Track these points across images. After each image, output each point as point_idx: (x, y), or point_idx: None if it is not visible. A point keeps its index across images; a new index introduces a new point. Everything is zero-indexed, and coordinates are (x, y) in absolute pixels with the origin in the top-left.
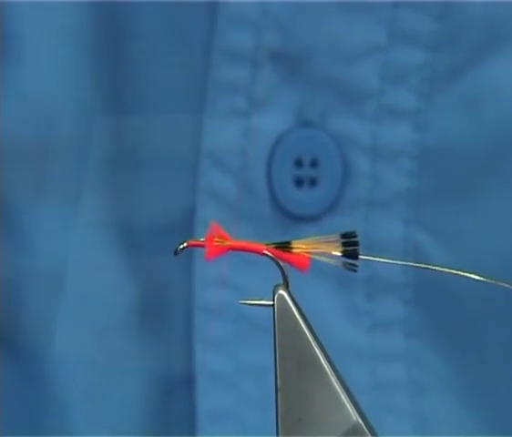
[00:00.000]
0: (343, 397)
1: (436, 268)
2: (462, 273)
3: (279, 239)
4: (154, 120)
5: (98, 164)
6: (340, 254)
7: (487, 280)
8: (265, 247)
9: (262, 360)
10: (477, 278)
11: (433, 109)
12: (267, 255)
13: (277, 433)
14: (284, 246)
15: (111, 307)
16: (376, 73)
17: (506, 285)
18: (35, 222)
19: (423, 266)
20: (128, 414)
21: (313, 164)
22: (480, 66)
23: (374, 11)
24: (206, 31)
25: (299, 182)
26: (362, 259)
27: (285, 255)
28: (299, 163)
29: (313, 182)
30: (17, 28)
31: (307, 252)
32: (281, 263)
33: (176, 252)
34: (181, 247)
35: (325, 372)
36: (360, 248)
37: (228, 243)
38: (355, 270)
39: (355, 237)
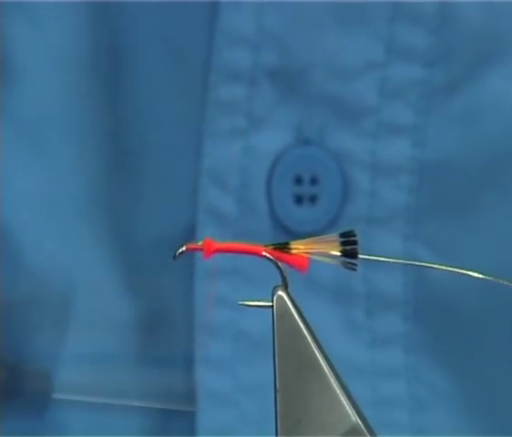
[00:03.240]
0: (343, 398)
1: (436, 266)
2: (461, 271)
3: None
4: (154, 140)
5: (98, 182)
6: (339, 253)
7: (487, 278)
8: (263, 248)
9: (263, 378)
10: (477, 275)
11: (431, 125)
12: (265, 256)
13: (276, 434)
14: (283, 247)
15: (111, 325)
16: (374, 89)
17: (506, 283)
18: (34, 243)
19: (424, 265)
20: (127, 434)
21: (313, 181)
22: (477, 80)
23: (371, 27)
24: (203, 50)
25: (299, 200)
26: (361, 259)
27: (284, 256)
28: (298, 180)
29: (313, 199)
30: (16, 54)
31: (306, 253)
32: (279, 264)
33: (174, 257)
34: (180, 251)
35: (324, 373)
36: (359, 248)
37: (227, 244)
38: (355, 269)
39: (354, 236)
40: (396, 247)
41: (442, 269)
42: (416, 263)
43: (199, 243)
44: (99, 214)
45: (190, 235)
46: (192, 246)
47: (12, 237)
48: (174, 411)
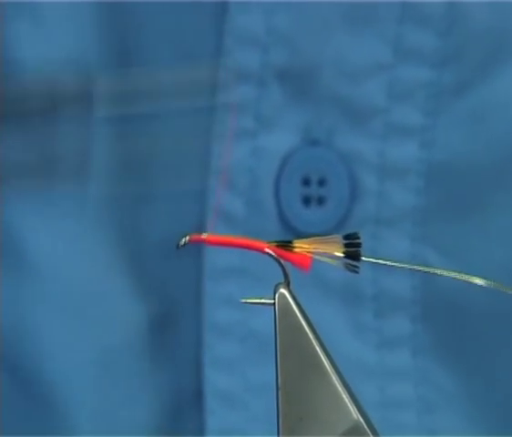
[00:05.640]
0: (344, 396)
1: (439, 271)
2: (464, 277)
3: None
4: (162, 140)
5: (105, 182)
6: (342, 255)
7: (491, 284)
8: (267, 245)
9: (272, 378)
10: (479, 282)
11: (439, 126)
12: (268, 253)
13: (278, 432)
14: (286, 245)
15: (120, 326)
16: (382, 90)
17: (508, 291)
18: (40, 244)
19: (427, 270)
20: (137, 434)
21: (321, 183)
22: (486, 81)
23: (379, 28)
24: (212, 50)
25: (307, 201)
26: (364, 261)
27: (286, 254)
28: (306, 182)
29: (321, 201)
30: (21, 54)
31: (309, 252)
32: (282, 262)
33: (178, 247)
34: (183, 242)
35: (326, 371)
36: (362, 250)
37: (230, 238)
38: (357, 272)
39: (358, 238)
40: (404, 248)
41: (446, 275)
42: (420, 268)
43: (203, 235)
44: (107, 215)
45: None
46: (195, 237)
47: (18, 240)
48: (183, 411)
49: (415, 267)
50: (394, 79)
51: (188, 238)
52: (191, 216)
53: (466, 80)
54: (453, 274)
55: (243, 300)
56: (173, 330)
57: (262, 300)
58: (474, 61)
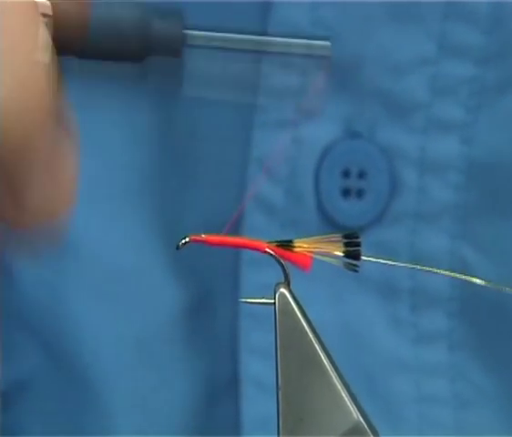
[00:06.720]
0: (345, 396)
1: (436, 270)
2: (463, 276)
3: None
4: (203, 126)
5: (147, 167)
6: (342, 254)
7: (490, 285)
8: (267, 245)
9: None
10: (479, 282)
11: (481, 123)
12: (268, 253)
13: (278, 432)
14: (286, 244)
15: (156, 311)
16: (425, 85)
17: (507, 290)
18: (81, 226)
19: (432, 270)
20: (172, 418)
21: (361, 175)
22: None
23: (424, 23)
24: None
25: (346, 193)
26: (364, 260)
27: (287, 253)
28: (346, 174)
29: (360, 193)
30: None
31: (309, 251)
32: (282, 261)
33: (178, 247)
34: (183, 241)
35: (326, 371)
36: (362, 249)
37: (230, 238)
38: (357, 271)
39: (357, 237)
40: (443, 245)
41: (443, 274)
42: (420, 267)
43: (203, 235)
44: (147, 198)
45: (237, 222)
46: (195, 237)
47: None
48: (218, 396)
49: (415, 266)
50: (438, 74)
51: (188, 238)
52: (231, 203)
53: (509, 78)
54: (452, 274)
55: (243, 300)
56: (209, 315)
57: (263, 300)
58: None
